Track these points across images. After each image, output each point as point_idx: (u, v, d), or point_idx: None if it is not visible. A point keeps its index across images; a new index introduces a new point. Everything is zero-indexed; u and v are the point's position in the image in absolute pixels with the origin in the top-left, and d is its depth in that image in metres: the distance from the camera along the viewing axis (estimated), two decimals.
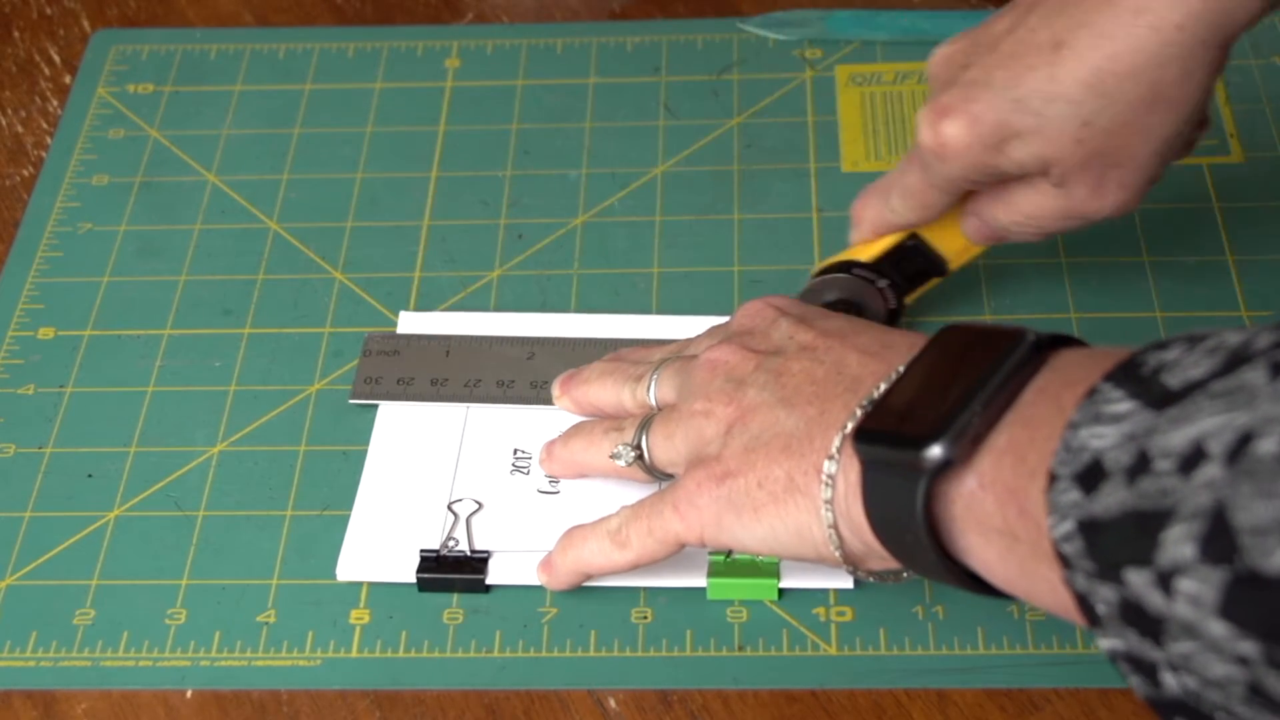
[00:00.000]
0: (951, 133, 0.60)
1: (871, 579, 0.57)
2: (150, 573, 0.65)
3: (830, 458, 0.53)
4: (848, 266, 0.67)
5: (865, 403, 0.53)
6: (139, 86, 0.85)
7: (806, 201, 0.77)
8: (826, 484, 0.53)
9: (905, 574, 0.57)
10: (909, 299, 0.68)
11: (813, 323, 0.59)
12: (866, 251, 0.67)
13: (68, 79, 0.86)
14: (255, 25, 0.88)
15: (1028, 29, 0.59)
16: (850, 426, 0.53)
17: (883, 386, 0.53)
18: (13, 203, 0.81)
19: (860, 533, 0.53)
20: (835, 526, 0.54)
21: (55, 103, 0.85)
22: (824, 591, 0.63)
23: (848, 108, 0.81)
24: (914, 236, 0.67)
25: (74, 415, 0.71)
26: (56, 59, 0.88)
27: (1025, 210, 0.63)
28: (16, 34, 0.89)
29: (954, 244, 0.67)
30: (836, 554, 0.54)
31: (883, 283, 0.67)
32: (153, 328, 0.74)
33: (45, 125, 0.84)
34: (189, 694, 0.62)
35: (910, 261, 0.67)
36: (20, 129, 0.84)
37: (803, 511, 0.54)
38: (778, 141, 0.80)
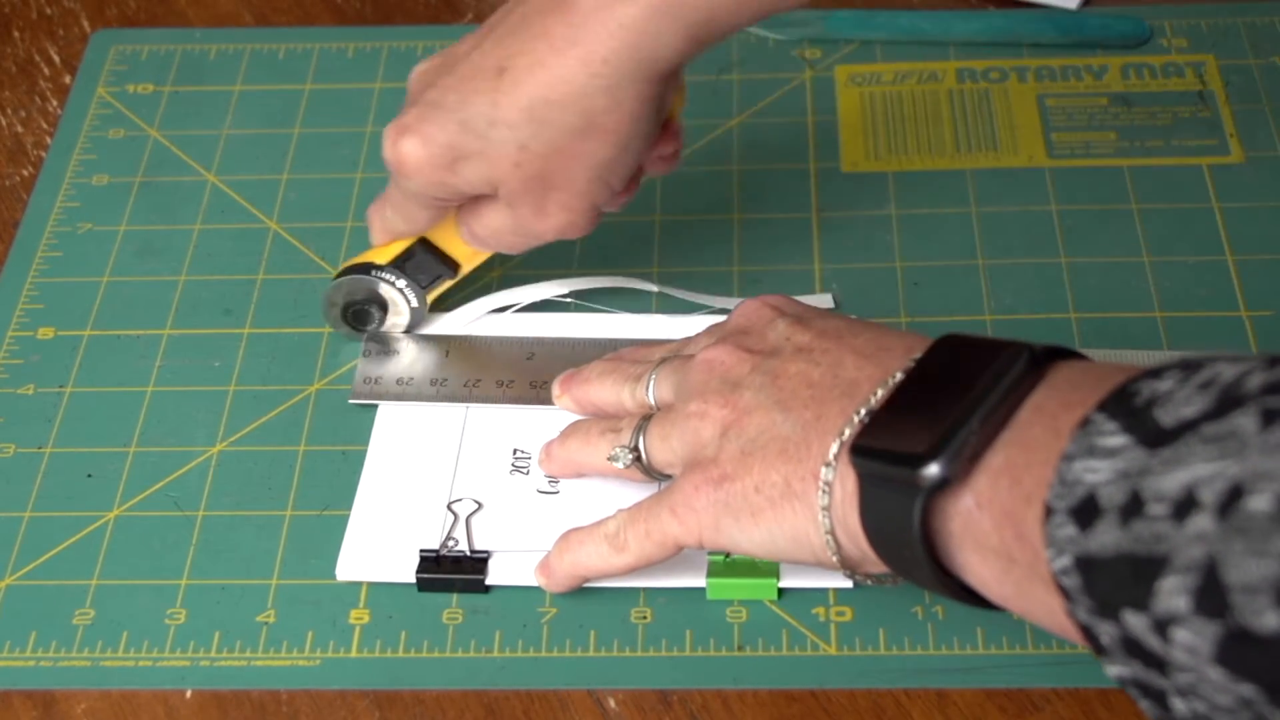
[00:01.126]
0: (407, 151, 0.63)
1: (870, 582, 0.57)
2: (150, 573, 0.65)
3: (827, 464, 0.53)
4: (367, 268, 0.70)
5: (861, 410, 0.53)
6: (139, 86, 0.85)
7: (806, 201, 0.77)
8: (824, 491, 0.53)
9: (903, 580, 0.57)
10: (430, 297, 0.71)
11: (810, 323, 0.59)
12: (383, 255, 0.70)
13: (68, 79, 0.86)
14: (255, 25, 0.88)
15: (481, 52, 0.63)
16: (847, 434, 0.53)
17: (879, 393, 0.53)
18: (13, 203, 0.81)
19: (857, 540, 0.53)
20: (832, 532, 0.54)
21: (55, 103, 0.85)
22: (823, 591, 0.63)
23: (847, 108, 0.81)
24: (422, 241, 0.70)
25: (74, 415, 0.71)
26: (56, 59, 0.88)
27: (488, 225, 0.67)
28: (16, 34, 0.89)
29: (461, 248, 0.70)
30: (834, 559, 0.54)
31: (401, 282, 0.70)
32: (153, 328, 0.74)
33: (45, 125, 0.84)
34: (189, 694, 0.62)
35: (422, 263, 0.70)
36: (20, 129, 0.84)
37: (800, 517, 0.54)
38: (777, 141, 0.80)
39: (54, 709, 0.62)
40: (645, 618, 0.63)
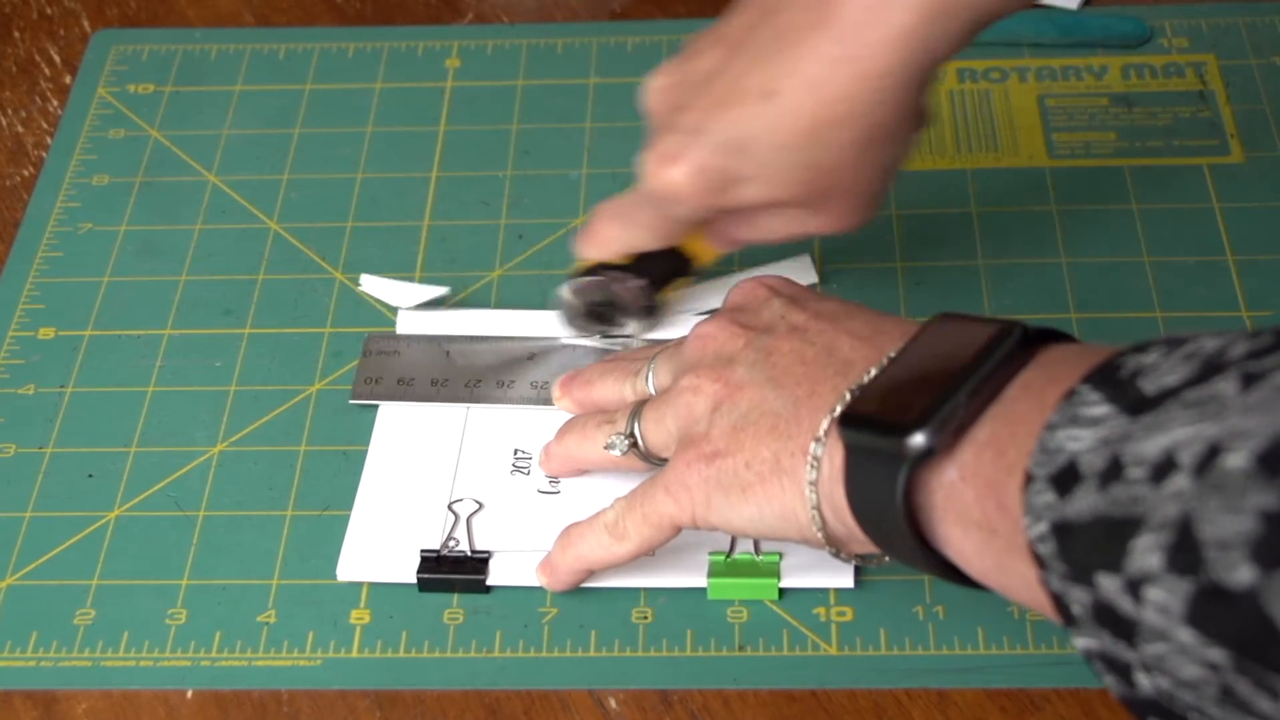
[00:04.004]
0: (676, 179, 0.62)
1: (856, 562, 0.57)
2: (150, 573, 0.65)
3: (817, 440, 0.53)
4: (605, 269, 0.69)
5: (854, 387, 0.53)
6: (139, 86, 0.85)
7: None
8: (812, 466, 0.53)
9: (888, 559, 0.57)
10: (660, 296, 0.70)
11: (805, 304, 0.59)
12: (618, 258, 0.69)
13: (68, 79, 0.86)
14: (255, 25, 0.88)
15: (737, 73, 0.61)
16: (838, 410, 0.53)
17: (873, 371, 0.53)
18: (13, 203, 0.81)
19: (842, 516, 0.53)
20: (819, 508, 0.54)
21: (55, 103, 0.85)
22: (824, 591, 0.63)
23: None
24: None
25: (74, 415, 0.71)
26: (56, 59, 0.88)
27: (766, 230, 0.66)
28: (16, 34, 0.89)
29: (701, 247, 0.69)
30: (819, 535, 0.54)
31: (639, 283, 0.69)
32: (153, 328, 0.74)
33: (45, 125, 0.84)
34: (189, 694, 0.62)
35: (658, 262, 0.69)
36: (20, 129, 0.84)
37: (788, 493, 0.54)
38: None
39: (54, 709, 0.62)
40: (646, 618, 0.63)
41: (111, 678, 0.62)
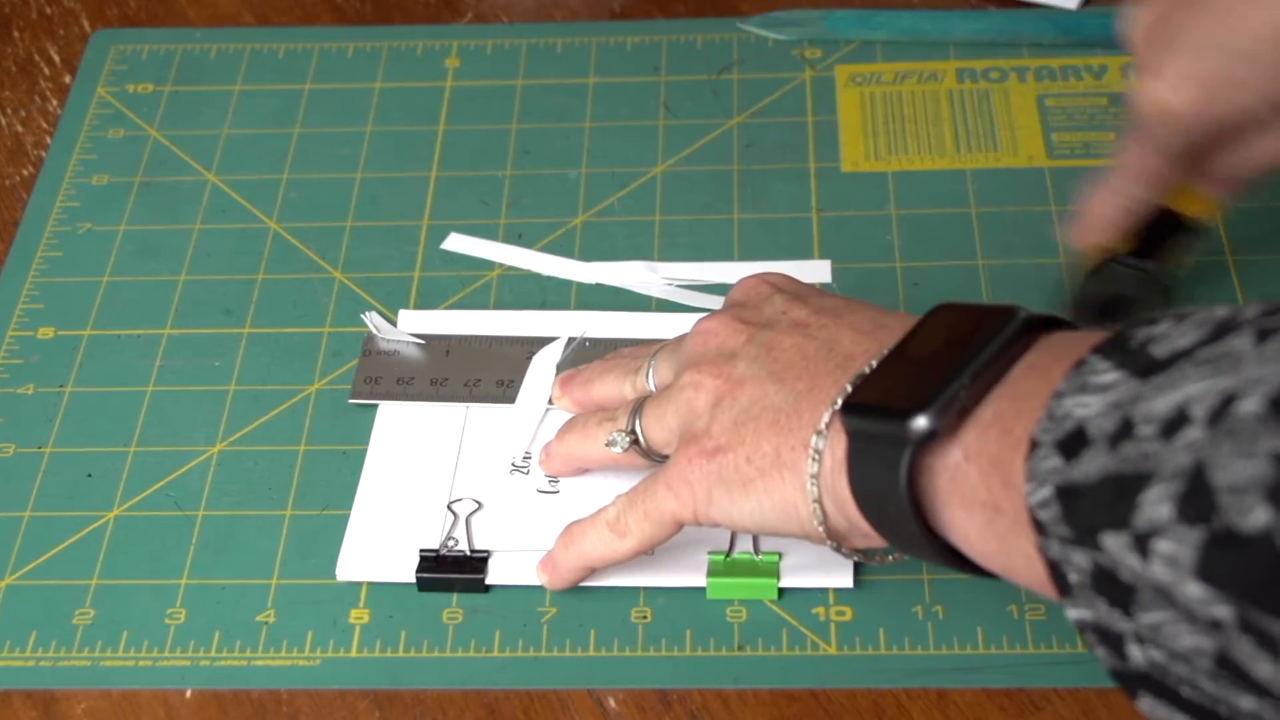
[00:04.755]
0: (1176, 98, 0.59)
1: (856, 558, 0.57)
2: (150, 572, 0.65)
3: (818, 433, 0.53)
4: (1119, 261, 0.67)
5: (856, 379, 0.53)
6: (139, 86, 0.85)
7: (806, 201, 0.77)
8: (813, 459, 0.53)
9: (891, 556, 0.57)
10: (1178, 269, 0.67)
11: (807, 300, 0.59)
12: (1120, 243, 0.66)
13: (68, 79, 0.86)
14: (255, 25, 0.88)
15: None
16: (840, 401, 0.53)
17: (874, 364, 0.53)
18: (13, 203, 0.81)
19: (844, 507, 0.53)
20: (820, 501, 0.54)
21: (55, 103, 0.85)
22: (824, 591, 0.63)
23: (847, 107, 0.81)
24: (1156, 209, 0.65)
25: (74, 415, 0.71)
26: (56, 59, 0.88)
27: (1265, 152, 0.63)
28: (16, 34, 0.89)
29: (1193, 201, 0.66)
30: (820, 529, 0.54)
31: (1150, 265, 0.67)
32: (153, 328, 0.74)
33: (45, 125, 0.84)
34: (189, 694, 0.62)
35: (1163, 235, 0.66)
36: (20, 129, 0.84)
37: (789, 486, 0.54)
38: (777, 141, 0.80)
39: (54, 709, 0.62)
40: (645, 617, 0.63)
41: (111, 677, 0.62)
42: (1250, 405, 0.39)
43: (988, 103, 0.81)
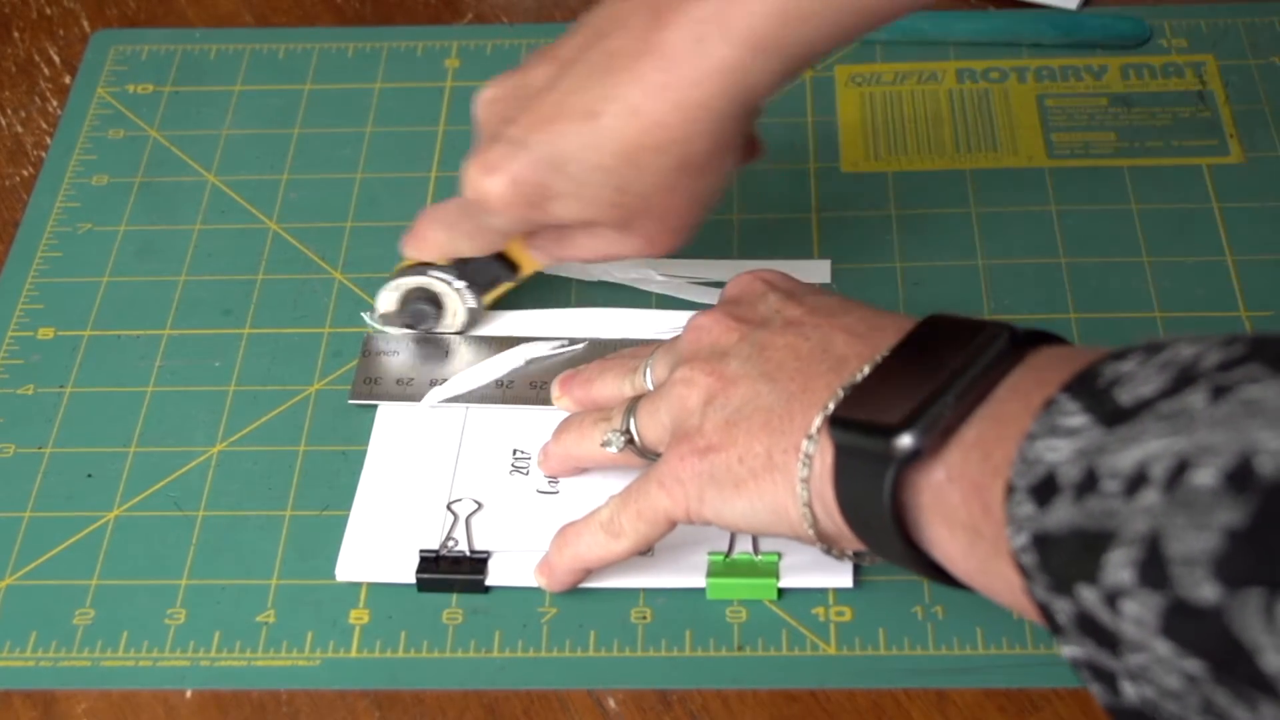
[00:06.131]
0: (494, 190, 0.62)
1: (847, 559, 0.57)
2: (150, 573, 0.65)
3: (809, 437, 0.53)
4: (426, 268, 0.69)
5: (846, 385, 0.53)
6: (139, 86, 0.85)
7: (806, 201, 0.77)
8: (804, 463, 0.53)
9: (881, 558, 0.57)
10: (488, 299, 0.71)
11: (802, 299, 0.59)
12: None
13: (68, 79, 0.86)
14: (255, 25, 0.88)
15: (564, 91, 0.61)
16: (831, 407, 0.53)
17: (866, 369, 0.53)
18: (13, 203, 0.81)
19: (833, 514, 0.53)
20: (810, 505, 0.54)
21: (55, 103, 0.85)
22: (823, 591, 0.63)
23: (847, 108, 0.81)
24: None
25: (74, 415, 0.71)
26: (56, 59, 0.88)
27: (579, 248, 0.66)
28: (16, 34, 0.89)
29: (524, 255, 0.69)
30: (810, 532, 0.55)
31: (460, 284, 0.69)
32: (152, 328, 0.74)
33: (45, 125, 0.84)
34: (189, 694, 0.62)
35: (482, 265, 0.69)
36: (20, 129, 0.84)
37: (780, 489, 0.55)
38: (777, 141, 0.80)
39: (54, 709, 0.62)
40: (645, 618, 0.63)
41: (111, 678, 0.62)
42: (1203, 477, 0.39)
43: (987, 103, 0.81)
